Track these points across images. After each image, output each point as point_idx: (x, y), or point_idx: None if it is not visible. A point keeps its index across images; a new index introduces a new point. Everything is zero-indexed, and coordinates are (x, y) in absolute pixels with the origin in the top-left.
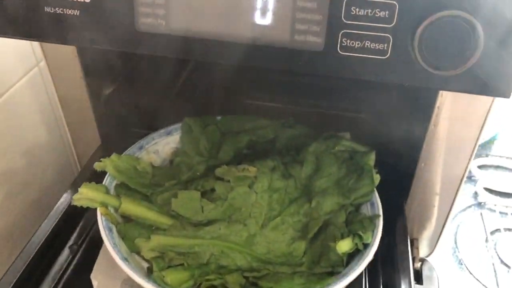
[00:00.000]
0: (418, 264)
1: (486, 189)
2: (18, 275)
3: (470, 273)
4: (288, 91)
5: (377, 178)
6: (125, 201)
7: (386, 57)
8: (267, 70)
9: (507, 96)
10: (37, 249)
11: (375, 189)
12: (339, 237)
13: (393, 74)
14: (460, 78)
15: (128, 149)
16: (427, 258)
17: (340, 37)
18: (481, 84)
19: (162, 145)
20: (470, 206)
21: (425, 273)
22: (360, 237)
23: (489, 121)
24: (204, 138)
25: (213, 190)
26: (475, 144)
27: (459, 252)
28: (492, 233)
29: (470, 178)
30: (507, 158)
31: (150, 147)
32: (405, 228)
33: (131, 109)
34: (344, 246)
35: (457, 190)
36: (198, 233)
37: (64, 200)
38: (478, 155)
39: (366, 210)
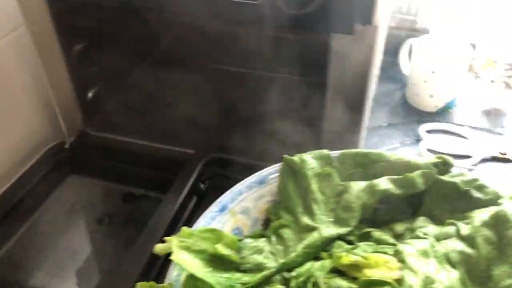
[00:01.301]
0: None
1: (429, 150)
2: None
3: None
4: None
5: None
6: None
7: (257, 1)
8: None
9: (351, 33)
10: None
11: None
12: None
13: (267, 20)
14: (312, 18)
15: (205, 212)
16: None
17: None
18: (330, 23)
19: (253, 201)
20: None
21: None
22: None
23: (376, 63)
24: (316, 188)
25: None
26: (367, 88)
27: None
28: None
29: (418, 140)
30: (457, 124)
31: (236, 205)
32: None
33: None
34: None
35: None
36: None
37: None
38: (431, 121)
39: None
